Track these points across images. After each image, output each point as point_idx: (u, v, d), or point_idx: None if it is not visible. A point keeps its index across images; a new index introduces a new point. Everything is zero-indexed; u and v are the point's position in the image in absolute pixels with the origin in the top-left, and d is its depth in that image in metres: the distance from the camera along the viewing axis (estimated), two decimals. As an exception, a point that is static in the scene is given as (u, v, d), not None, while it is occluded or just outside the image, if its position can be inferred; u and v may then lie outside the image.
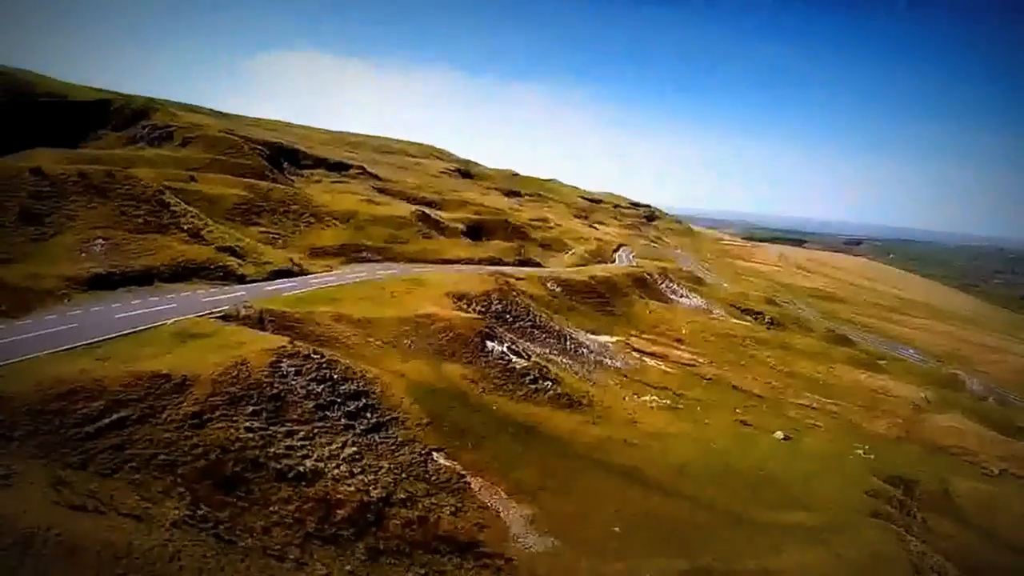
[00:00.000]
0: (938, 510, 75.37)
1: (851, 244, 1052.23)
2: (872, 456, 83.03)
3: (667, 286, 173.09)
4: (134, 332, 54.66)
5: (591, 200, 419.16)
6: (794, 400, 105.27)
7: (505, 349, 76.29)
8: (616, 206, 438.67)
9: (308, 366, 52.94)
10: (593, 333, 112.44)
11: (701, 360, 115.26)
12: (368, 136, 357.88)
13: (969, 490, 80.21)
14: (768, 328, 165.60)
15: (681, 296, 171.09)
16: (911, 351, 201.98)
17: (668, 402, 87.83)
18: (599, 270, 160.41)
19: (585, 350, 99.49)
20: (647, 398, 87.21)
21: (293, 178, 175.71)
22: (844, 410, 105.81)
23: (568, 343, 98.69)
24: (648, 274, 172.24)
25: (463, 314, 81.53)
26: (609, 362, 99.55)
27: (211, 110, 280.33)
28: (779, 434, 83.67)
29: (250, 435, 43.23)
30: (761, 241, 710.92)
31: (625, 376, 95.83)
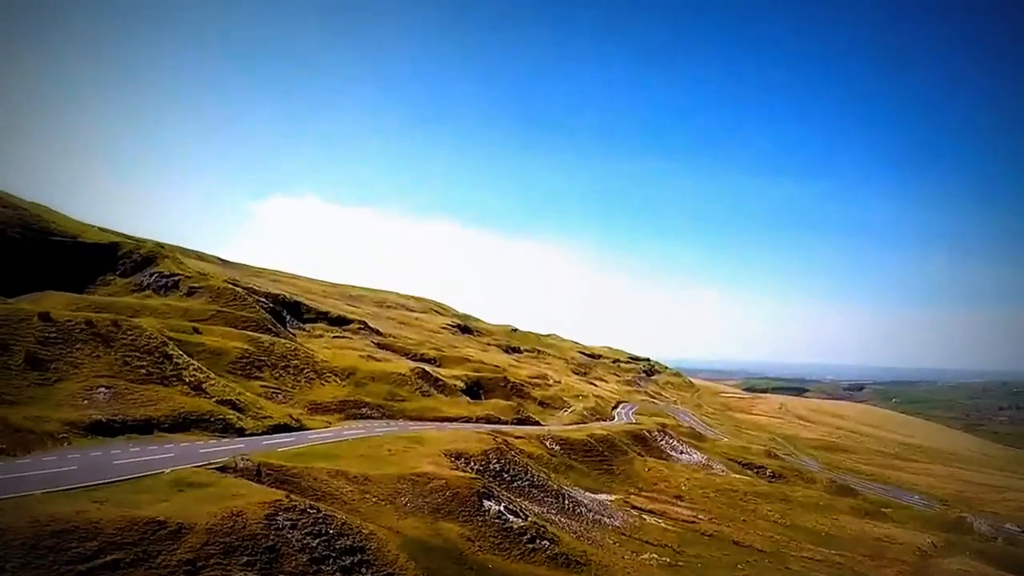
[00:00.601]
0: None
1: (853, 390, 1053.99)
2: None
3: (667, 443, 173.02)
4: (132, 478, 54.74)
5: (590, 355, 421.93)
6: (797, 553, 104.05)
7: (502, 508, 75.83)
8: (615, 360, 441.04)
9: (304, 520, 52.77)
10: (592, 491, 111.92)
11: (701, 516, 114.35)
12: (369, 289, 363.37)
13: (978, 634, 78.82)
14: (769, 482, 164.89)
15: (681, 452, 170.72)
16: (916, 497, 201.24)
17: (667, 559, 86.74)
18: (598, 428, 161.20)
19: (583, 509, 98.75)
20: (645, 556, 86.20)
21: (295, 331, 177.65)
22: (849, 560, 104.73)
23: (566, 502, 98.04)
24: (647, 431, 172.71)
25: (460, 473, 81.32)
26: (608, 520, 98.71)
27: (216, 258, 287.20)
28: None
29: (244, 585, 42.85)
30: (762, 392, 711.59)
31: (624, 534, 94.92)
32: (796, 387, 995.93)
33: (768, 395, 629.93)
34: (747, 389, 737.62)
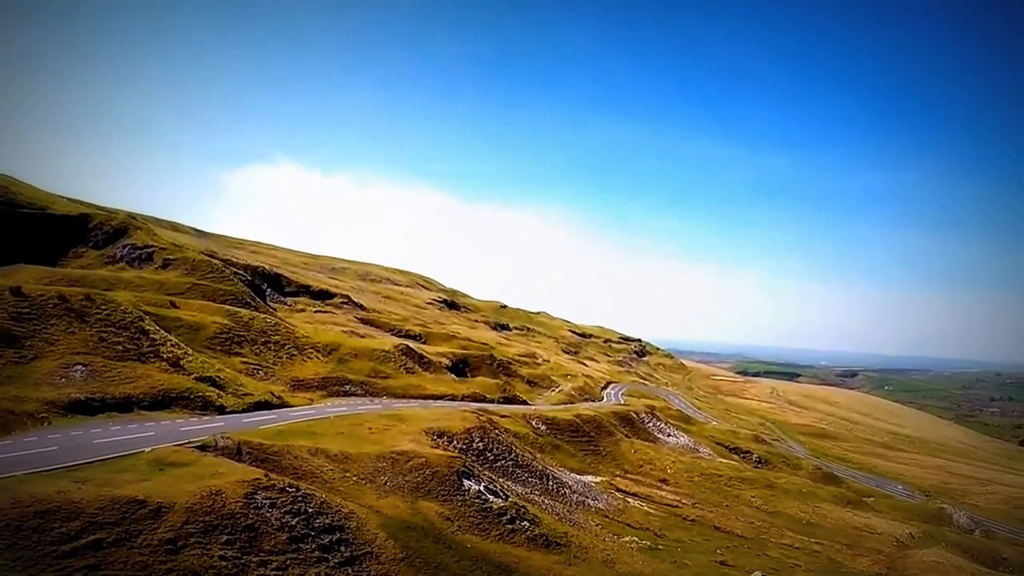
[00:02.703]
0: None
1: (846, 376, 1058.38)
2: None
3: (654, 425, 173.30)
4: (112, 458, 54.97)
5: (580, 334, 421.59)
6: (776, 540, 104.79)
7: (482, 488, 76.09)
8: (606, 340, 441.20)
9: (283, 499, 53.05)
10: (577, 472, 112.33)
11: (685, 501, 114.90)
12: (352, 262, 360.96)
13: (944, 627, 78.88)
14: (755, 467, 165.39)
15: (668, 435, 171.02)
16: (899, 487, 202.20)
17: (648, 543, 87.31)
18: (585, 408, 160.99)
19: (567, 490, 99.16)
20: (627, 539, 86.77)
21: (275, 305, 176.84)
22: (827, 548, 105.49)
23: (550, 483, 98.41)
24: (635, 412, 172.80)
25: (441, 452, 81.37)
26: (591, 502, 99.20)
27: (192, 228, 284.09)
28: (758, 574, 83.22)
29: (224, 563, 43.24)
30: (755, 375, 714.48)
31: (607, 516, 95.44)
32: (789, 372, 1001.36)
33: (760, 379, 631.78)
34: (739, 372, 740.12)
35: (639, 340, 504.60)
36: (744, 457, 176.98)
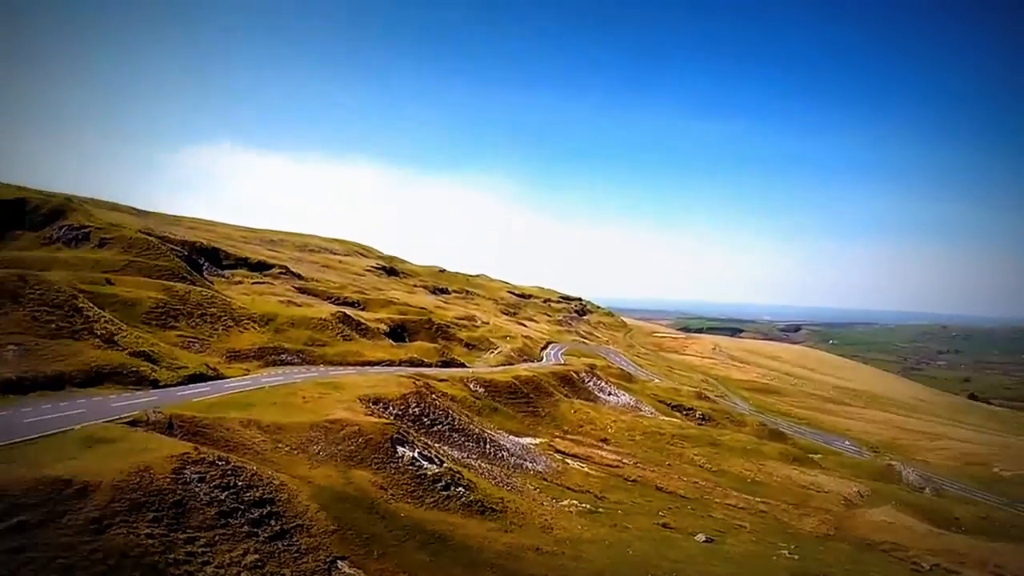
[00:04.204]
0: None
1: (789, 331, 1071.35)
2: (796, 557, 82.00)
3: (595, 384, 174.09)
4: (41, 437, 54.31)
5: (520, 295, 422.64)
6: (721, 500, 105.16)
7: (416, 455, 75.82)
8: (546, 300, 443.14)
9: (212, 473, 52.56)
10: (515, 435, 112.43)
11: (626, 461, 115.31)
12: (290, 233, 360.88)
13: (896, 589, 79.46)
14: (699, 424, 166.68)
15: (609, 394, 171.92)
16: (847, 443, 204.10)
17: (588, 506, 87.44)
18: (524, 370, 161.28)
19: (505, 453, 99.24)
20: (566, 503, 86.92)
21: (213, 279, 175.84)
22: (773, 508, 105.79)
23: (488, 446, 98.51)
24: (575, 372, 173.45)
25: (374, 419, 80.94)
26: (530, 465, 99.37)
27: (131, 208, 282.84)
28: (701, 537, 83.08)
29: (151, 541, 42.65)
30: (697, 332, 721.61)
31: (545, 480, 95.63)
32: (732, 327, 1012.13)
33: (702, 335, 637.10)
34: (681, 329, 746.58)
35: (579, 299, 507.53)
36: (687, 414, 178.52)
